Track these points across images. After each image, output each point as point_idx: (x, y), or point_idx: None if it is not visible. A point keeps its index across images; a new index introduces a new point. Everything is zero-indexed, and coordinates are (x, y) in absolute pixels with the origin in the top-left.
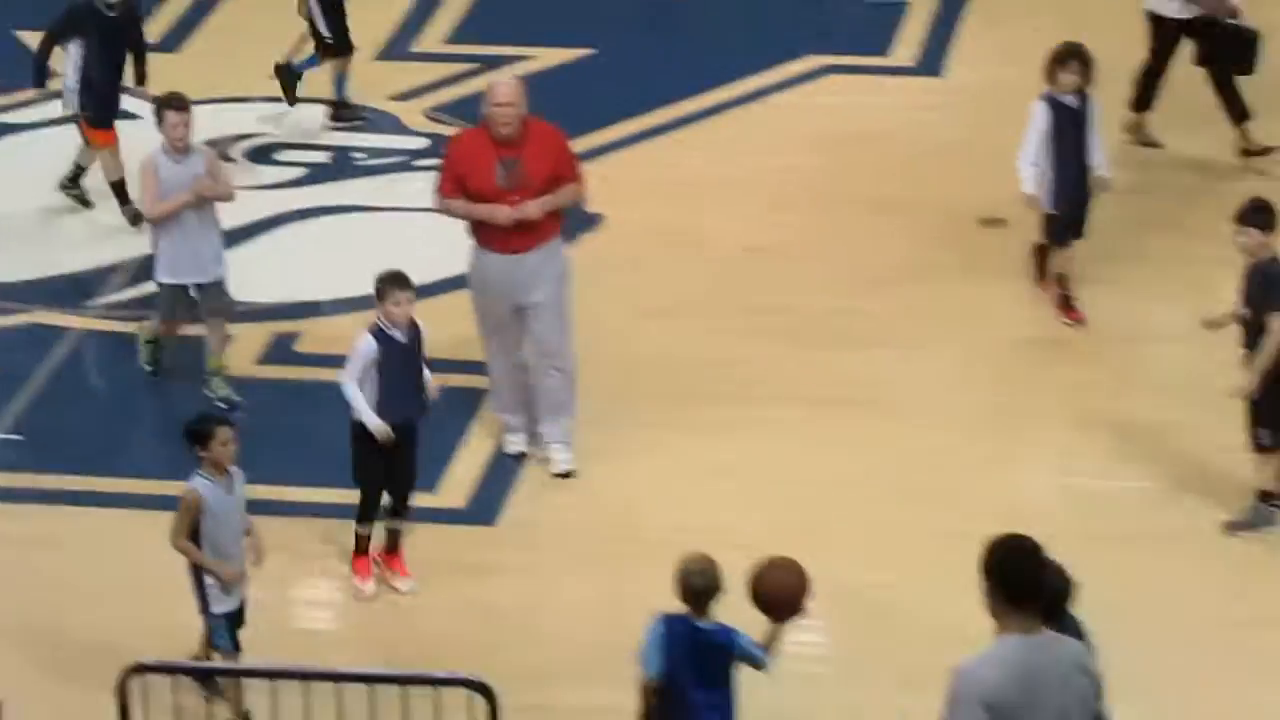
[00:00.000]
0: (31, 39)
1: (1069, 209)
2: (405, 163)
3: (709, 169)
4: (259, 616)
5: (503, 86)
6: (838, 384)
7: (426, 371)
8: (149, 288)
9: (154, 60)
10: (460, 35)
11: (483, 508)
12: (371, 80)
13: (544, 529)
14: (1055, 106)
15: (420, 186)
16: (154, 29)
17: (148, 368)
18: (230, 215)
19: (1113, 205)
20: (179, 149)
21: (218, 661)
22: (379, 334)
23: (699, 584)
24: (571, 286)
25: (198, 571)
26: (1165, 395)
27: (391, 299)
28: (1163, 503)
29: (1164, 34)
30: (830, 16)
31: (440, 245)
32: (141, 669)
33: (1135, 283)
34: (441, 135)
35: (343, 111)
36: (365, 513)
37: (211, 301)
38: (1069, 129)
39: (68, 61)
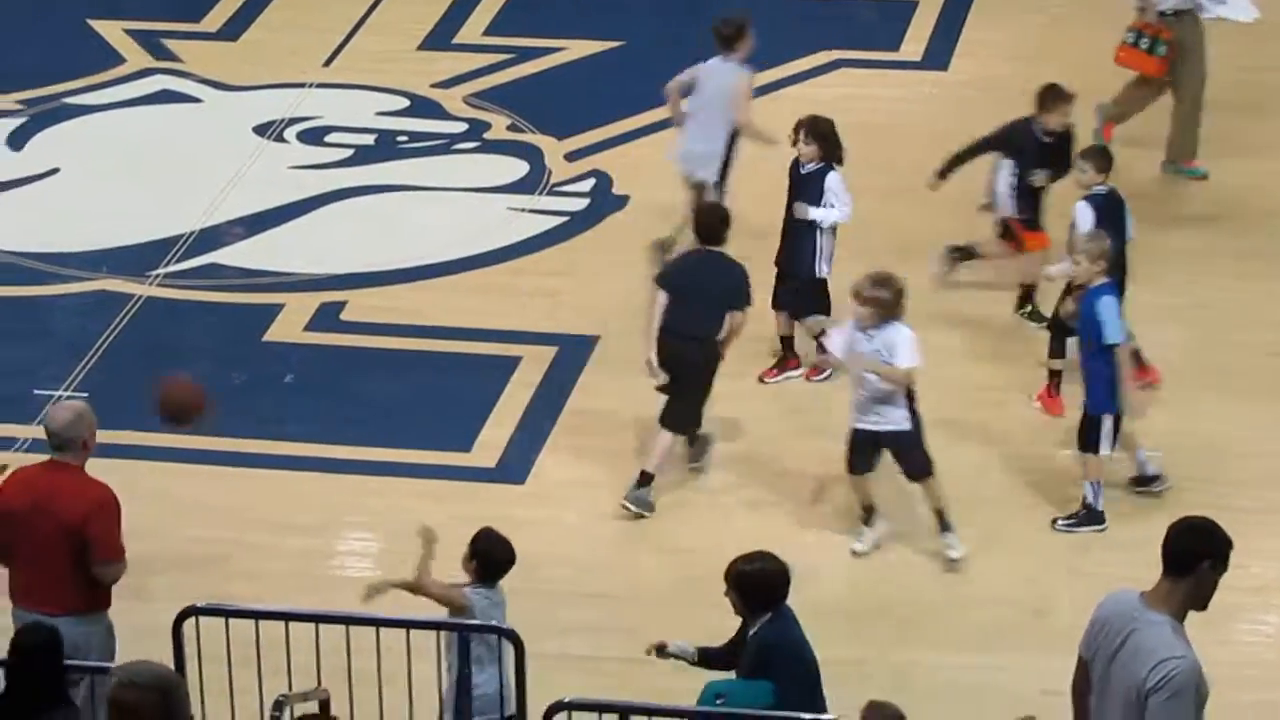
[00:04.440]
0: (102, 27)
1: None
2: (446, 146)
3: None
4: (310, 565)
5: None
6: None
7: None
8: (202, 260)
9: (211, 48)
10: (497, 27)
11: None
12: (414, 69)
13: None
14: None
15: (456, 168)
16: (214, 19)
17: None
18: (281, 193)
19: None
20: None
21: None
22: None
23: None
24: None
25: None
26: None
27: None
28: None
29: None
30: (844, 13)
31: (474, 224)
32: (193, 611)
33: None
34: (480, 120)
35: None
36: None
37: None
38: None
39: (1000, 170)
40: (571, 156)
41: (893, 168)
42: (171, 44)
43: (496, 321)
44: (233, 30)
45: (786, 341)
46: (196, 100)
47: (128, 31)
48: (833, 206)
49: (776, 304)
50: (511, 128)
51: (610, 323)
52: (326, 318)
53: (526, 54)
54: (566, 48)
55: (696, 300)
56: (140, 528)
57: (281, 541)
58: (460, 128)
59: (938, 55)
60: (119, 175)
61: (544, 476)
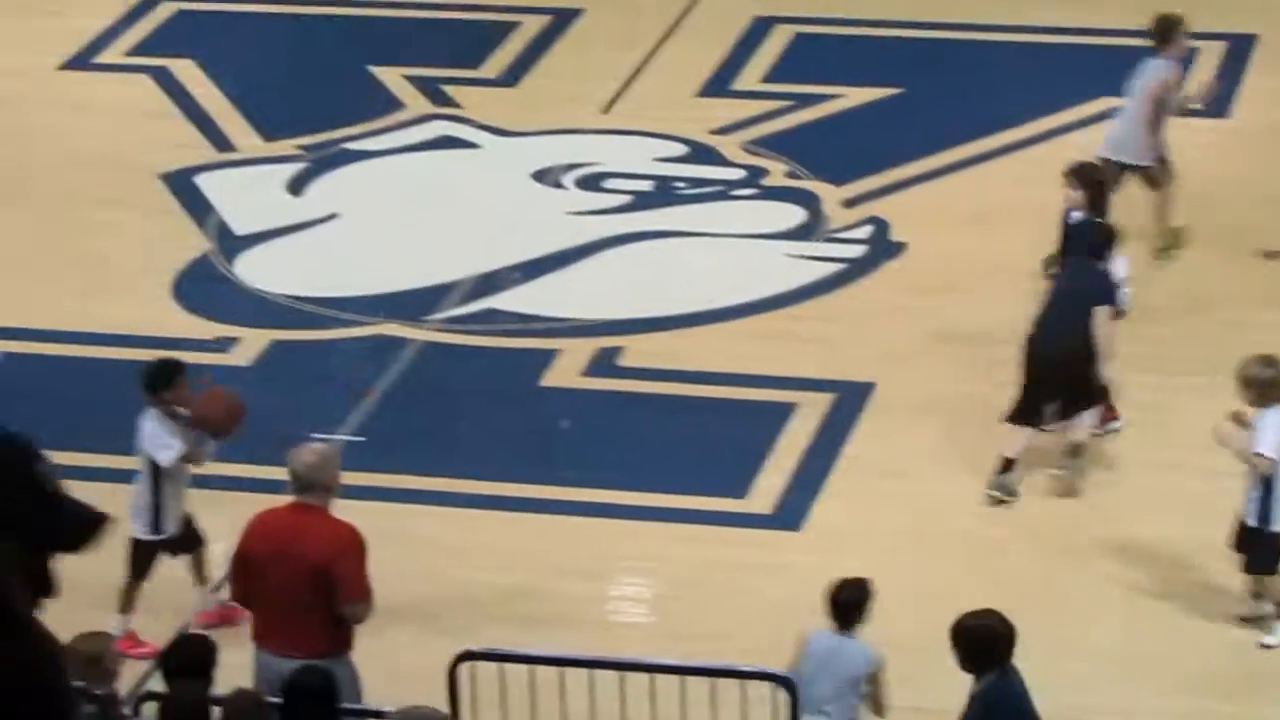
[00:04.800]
0: (383, 74)
1: None
2: (724, 192)
3: (1007, 201)
4: (584, 609)
5: None
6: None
7: None
8: (479, 305)
9: (491, 94)
10: (775, 74)
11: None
12: (692, 115)
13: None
14: None
15: (734, 214)
16: (493, 65)
17: None
18: (559, 238)
19: None
20: None
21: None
22: None
23: None
24: None
25: None
26: None
27: None
28: None
29: None
30: (1120, 60)
31: (751, 272)
32: (469, 656)
33: None
34: (758, 167)
35: None
36: None
37: None
38: None
39: None
40: (849, 203)
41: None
42: (451, 90)
43: (773, 367)
44: (512, 76)
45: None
46: (475, 146)
47: (408, 78)
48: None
49: None
50: (789, 174)
51: (887, 370)
52: (603, 363)
53: (805, 100)
54: (845, 95)
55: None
56: (414, 571)
57: (556, 586)
58: (738, 174)
59: (1219, 102)
60: (397, 220)
61: (821, 523)
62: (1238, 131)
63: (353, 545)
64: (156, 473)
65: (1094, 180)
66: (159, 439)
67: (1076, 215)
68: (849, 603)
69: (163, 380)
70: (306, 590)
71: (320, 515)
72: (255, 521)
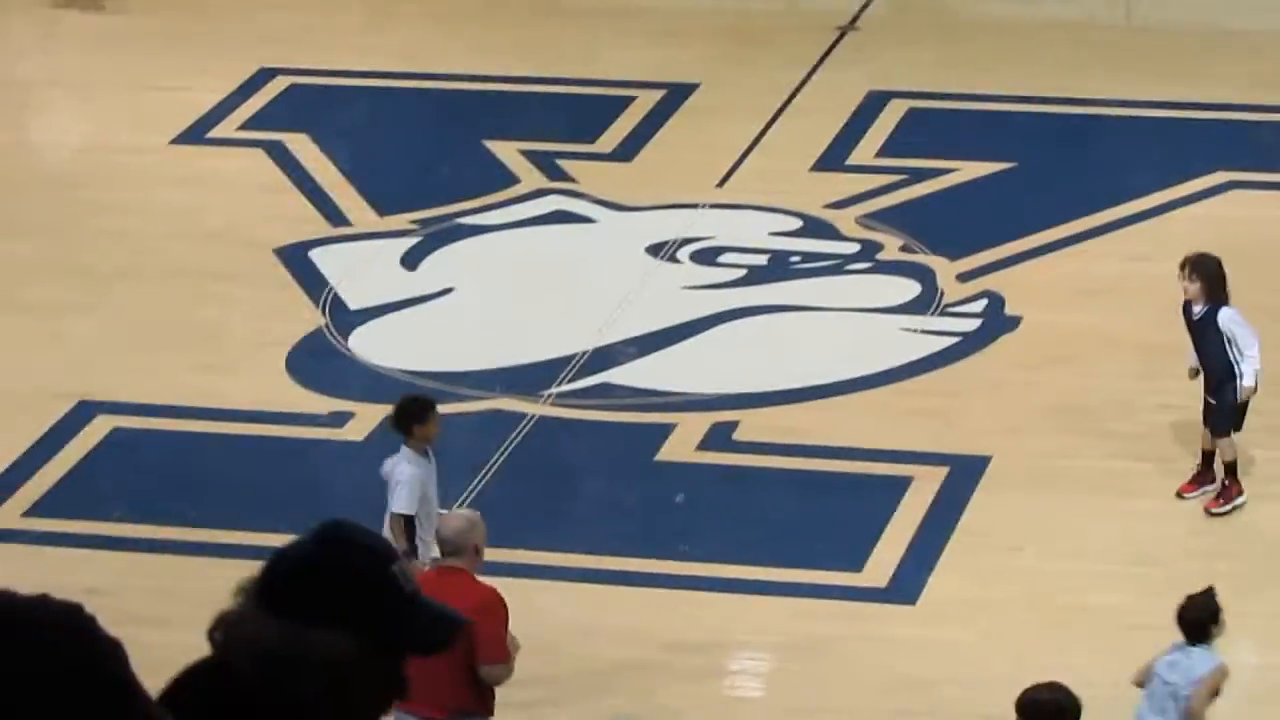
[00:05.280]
0: (497, 148)
1: None
2: (838, 266)
3: (1120, 276)
4: (703, 685)
5: None
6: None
7: None
8: (594, 379)
9: (605, 169)
10: (889, 149)
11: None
12: (807, 189)
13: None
14: None
15: (849, 288)
16: (608, 140)
17: None
18: (674, 313)
19: None
20: None
21: None
22: None
23: None
24: None
25: None
26: None
27: None
28: None
29: None
30: (1235, 135)
31: (865, 346)
32: None
33: None
34: (872, 241)
35: None
36: None
37: None
38: None
39: None
40: (964, 277)
41: None
42: (566, 164)
43: (888, 441)
44: (627, 151)
45: (1207, 457)
46: (590, 220)
47: (522, 152)
48: (1238, 350)
49: (1204, 419)
50: (904, 248)
51: (1002, 443)
52: (719, 437)
53: (919, 175)
54: (959, 169)
55: None
56: (533, 646)
57: (673, 660)
58: (853, 248)
59: None
60: (512, 294)
61: (936, 597)
62: None
63: (493, 606)
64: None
65: (1211, 272)
66: (404, 476)
67: (1198, 309)
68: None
69: (414, 416)
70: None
71: (465, 578)
72: None
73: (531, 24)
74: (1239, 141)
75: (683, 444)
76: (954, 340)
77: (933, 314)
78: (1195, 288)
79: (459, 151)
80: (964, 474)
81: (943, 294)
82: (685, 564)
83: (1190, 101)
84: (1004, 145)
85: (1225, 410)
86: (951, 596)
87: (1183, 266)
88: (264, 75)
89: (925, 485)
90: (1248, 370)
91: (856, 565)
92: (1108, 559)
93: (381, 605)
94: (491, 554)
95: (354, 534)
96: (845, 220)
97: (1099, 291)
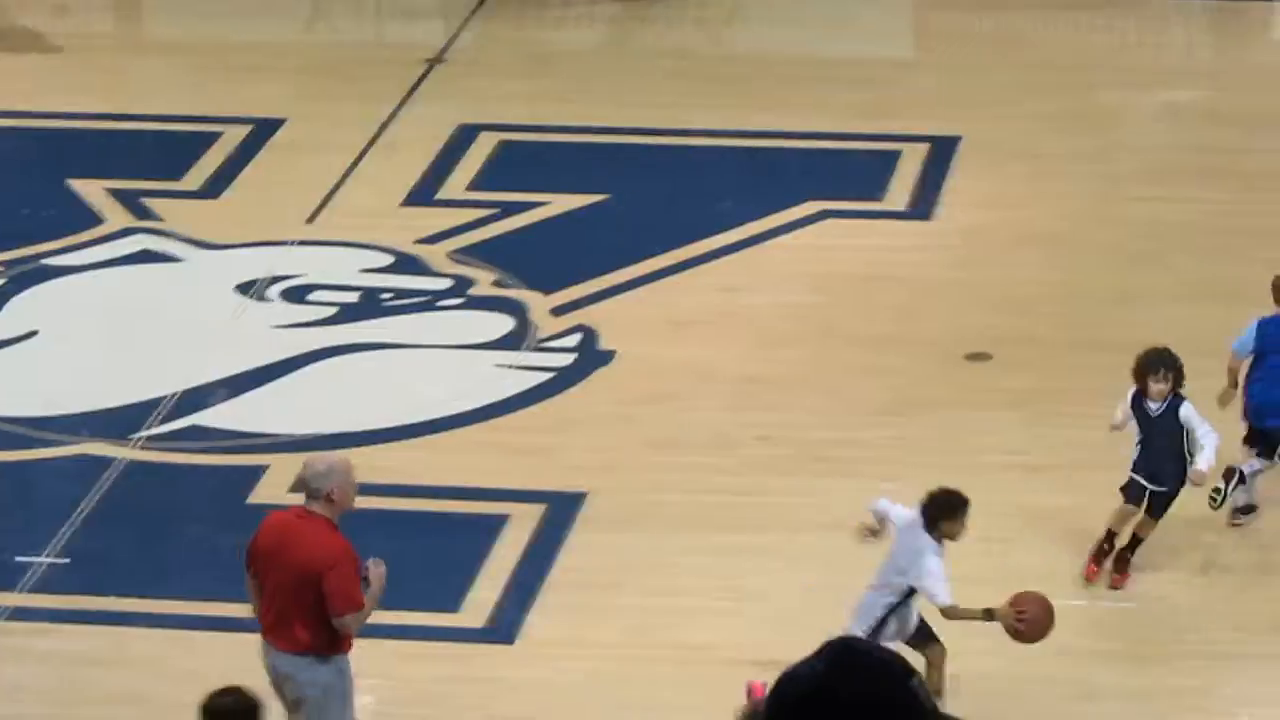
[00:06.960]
0: (82, 187)
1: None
2: (430, 303)
3: (715, 307)
4: None
5: None
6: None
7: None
8: (185, 422)
9: (192, 206)
10: (480, 183)
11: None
12: (398, 225)
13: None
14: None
15: (440, 324)
16: (194, 177)
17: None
18: (265, 352)
19: None
20: None
21: None
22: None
23: None
24: None
25: None
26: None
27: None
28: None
29: None
30: (828, 164)
31: (460, 381)
32: None
33: None
34: (464, 276)
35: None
36: None
37: None
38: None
39: None
40: (558, 311)
41: (880, 316)
42: (152, 203)
43: (484, 479)
44: (214, 188)
45: (1114, 538)
46: (177, 259)
47: (108, 191)
48: (1192, 441)
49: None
50: (496, 283)
51: (598, 479)
52: None
53: (510, 209)
54: (550, 202)
55: None
56: (130, 694)
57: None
58: (445, 284)
59: (922, 205)
60: (99, 337)
61: (534, 636)
62: (941, 232)
63: (342, 561)
64: (908, 594)
65: (1180, 367)
66: (935, 574)
67: (1155, 406)
68: None
69: (948, 512)
70: (296, 592)
71: (320, 526)
72: (266, 518)
73: (114, 60)
74: (833, 171)
75: (275, 485)
76: (549, 376)
77: (527, 349)
78: (1165, 387)
79: (41, 191)
80: (561, 511)
81: (537, 329)
82: None
83: (784, 131)
84: (597, 177)
85: (1172, 496)
86: (550, 636)
87: (1151, 369)
88: None
89: (522, 523)
90: (1210, 456)
91: (454, 605)
92: (706, 595)
93: None
94: (84, 601)
95: (865, 654)
96: (437, 255)
97: (693, 323)
